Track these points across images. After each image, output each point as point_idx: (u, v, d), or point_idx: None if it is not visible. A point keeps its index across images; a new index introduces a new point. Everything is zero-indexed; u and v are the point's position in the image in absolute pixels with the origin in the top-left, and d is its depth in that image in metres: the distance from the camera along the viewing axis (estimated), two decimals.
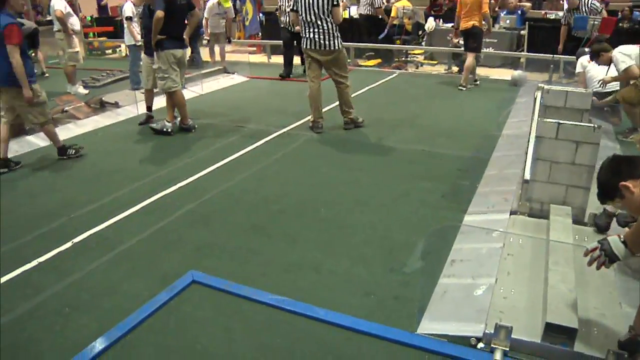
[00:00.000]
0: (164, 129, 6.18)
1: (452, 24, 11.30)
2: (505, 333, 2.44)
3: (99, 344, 2.57)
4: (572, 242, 3.14)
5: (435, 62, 11.25)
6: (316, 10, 5.74)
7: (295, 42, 9.33)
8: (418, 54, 11.81)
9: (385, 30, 11.28)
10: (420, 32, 11.37)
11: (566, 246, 3.07)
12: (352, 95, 6.35)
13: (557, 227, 3.35)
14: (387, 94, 8.41)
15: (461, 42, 9.93)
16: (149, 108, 6.75)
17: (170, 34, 5.81)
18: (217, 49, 10.61)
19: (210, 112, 7.29)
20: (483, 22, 8.31)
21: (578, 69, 6.79)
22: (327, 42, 5.84)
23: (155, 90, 6.74)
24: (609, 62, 5.83)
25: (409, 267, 3.25)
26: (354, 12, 12.72)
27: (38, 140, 5.94)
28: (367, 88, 8.72)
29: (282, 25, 9.72)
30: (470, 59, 8.50)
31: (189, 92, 8.15)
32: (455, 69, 10.19)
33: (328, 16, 5.77)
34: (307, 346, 2.57)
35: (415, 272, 3.20)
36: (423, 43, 11.47)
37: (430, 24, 11.12)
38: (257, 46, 13.73)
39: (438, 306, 2.83)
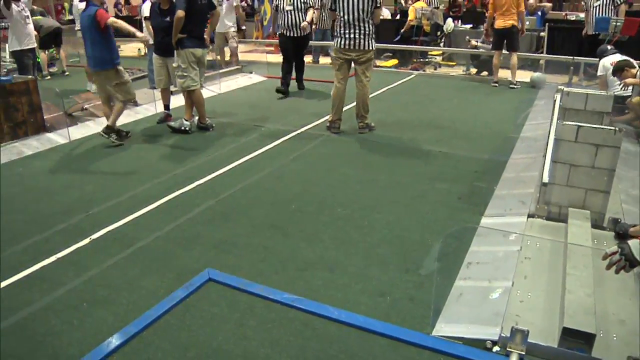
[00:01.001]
0: (182, 128, 6.23)
1: (471, 25, 11.28)
2: (521, 337, 2.42)
3: (115, 340, 2.60)
4: (590, 246, 3.10)
5: (454, 63, 11.17)
6: (360, 12, 5.71)
7: (295, 48, 8.28)
8: (436, 55, 11.75)
9: (399, 35, 11.23)
10: (438, 33, 11.32)
11: (585, 250, 3.03)
12: (371, 96, 6.33)
13: (575, 231, 3.31)
14: (405, 95, 8.38)
15: (480, 43, 9.88)
16: (167, 107, 6.80)
17: (191, 33, 5.86)
18: (226, 49, 10.56)
19: (228, 111, 7.33)
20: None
21: (600, 72, 6.67)
22: (365, 42, 5.83)
23: (172, 90, 6.80)
24: (633, 77, 5.76)
25: (425, 269, 3.24)
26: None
27: (57, 137, 6.05)
28: (385, 88, 8.70)
29: (279, 31, 8.32)
30: (514, 57, 8.66)
31: (207, 91, 8.19)
32: (473, 70, 10.11)
33: (369, 17, 5.77)
34: (320, 345, 2.57)
35: (431, 273, 3.18)
36: (441, 44, 11.42)
37: (449, 25, 11.06)
38: (274, 46, 13.75)
39: (454, 308, 2.82)
